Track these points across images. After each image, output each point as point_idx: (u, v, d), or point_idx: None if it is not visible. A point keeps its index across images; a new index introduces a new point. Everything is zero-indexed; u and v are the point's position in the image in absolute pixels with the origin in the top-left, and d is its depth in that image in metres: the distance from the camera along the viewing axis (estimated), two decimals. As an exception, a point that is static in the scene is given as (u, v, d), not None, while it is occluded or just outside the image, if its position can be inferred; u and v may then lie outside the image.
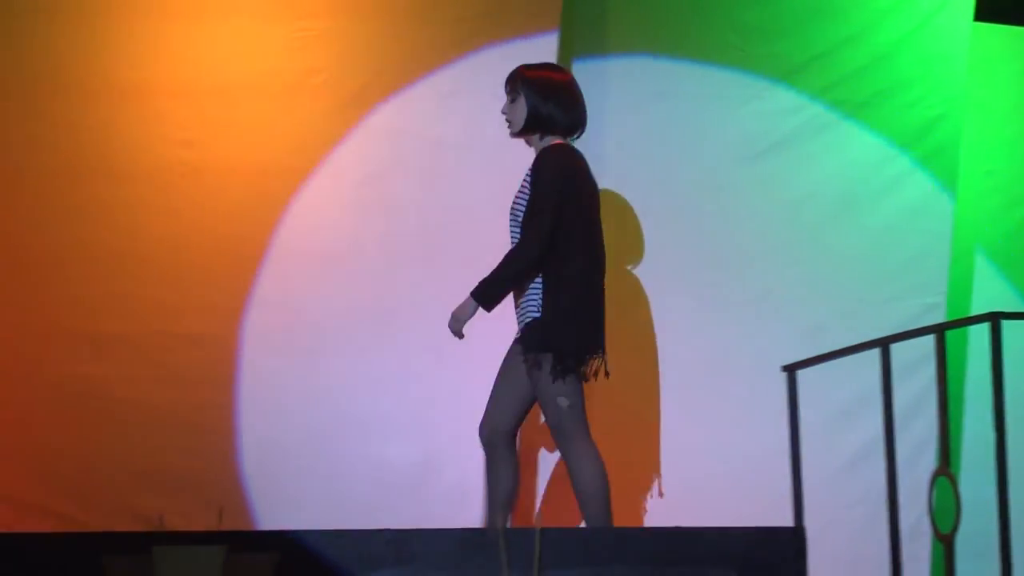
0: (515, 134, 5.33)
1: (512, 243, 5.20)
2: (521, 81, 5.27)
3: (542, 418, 5.35)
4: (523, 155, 5.33)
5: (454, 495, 5.98)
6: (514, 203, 5.25)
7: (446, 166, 6.15)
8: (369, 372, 6.03)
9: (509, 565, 4.38)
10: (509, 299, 5.19)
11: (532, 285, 5.15)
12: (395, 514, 5.75)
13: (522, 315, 5.19)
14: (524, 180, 5.23)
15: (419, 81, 6.16)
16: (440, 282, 5.90)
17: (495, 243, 5.23)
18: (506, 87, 5.32)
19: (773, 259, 6.43)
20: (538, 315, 5.11)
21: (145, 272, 5.95)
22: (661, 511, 5.94)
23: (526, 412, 5.29)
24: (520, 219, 5.18)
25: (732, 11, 6.47)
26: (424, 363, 6.02)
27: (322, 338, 6.00)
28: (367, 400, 6.02)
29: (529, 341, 5.12)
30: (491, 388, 5.29)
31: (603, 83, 6.34)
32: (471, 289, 5.12)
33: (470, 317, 5.15)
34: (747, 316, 6.35)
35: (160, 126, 5.99)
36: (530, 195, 5.14)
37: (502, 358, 5.30)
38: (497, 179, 5.75)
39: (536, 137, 5.29)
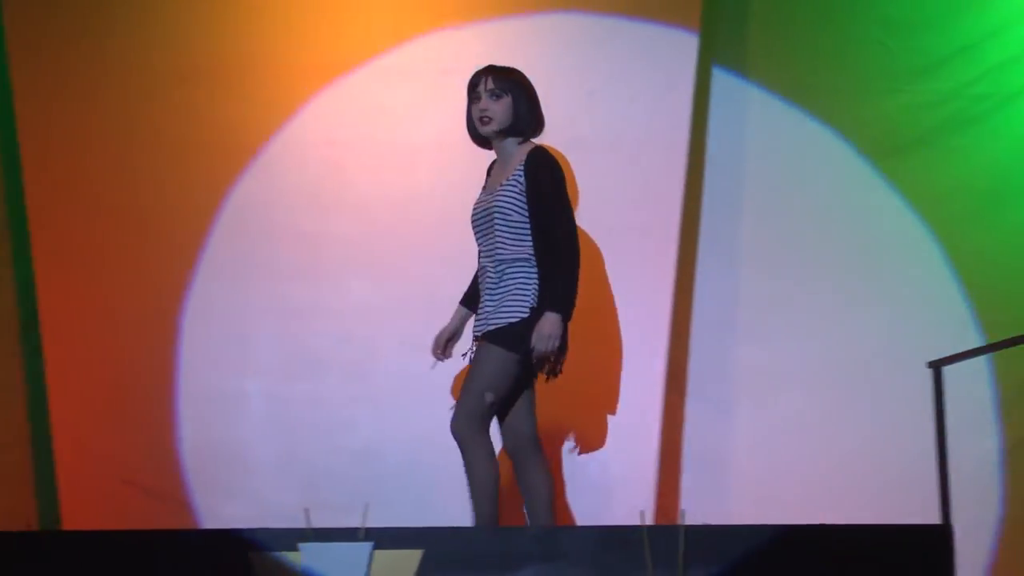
0: (494, 132, 5.27)
1: (486, 241, 5.24)
2: (512, 82, 5.28)
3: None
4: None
5: (597, 491, 5.97)
6: (495, 201, 5.23)
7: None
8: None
9: (653, 562, 4.37)
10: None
11: (515, 287, 5.16)
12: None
13: (497, 315, 5.16)
14: (509, 178, 5.22)
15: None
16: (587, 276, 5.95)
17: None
18: (487, 83, 5.27)
19: (917, 254, 6.34)
20: (524, 316, 5.12)
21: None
22: (806, 508, 5.89)
23: (534, 408, 5.26)
24: (509, 218, 5.18)
25: (876, 6, 6.39)
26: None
27: (468, 334, 6.02)
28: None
29: (500, 337, 5.11)
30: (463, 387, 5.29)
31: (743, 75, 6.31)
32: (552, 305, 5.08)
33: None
34: (891, 313, 6.26)
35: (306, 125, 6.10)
36: (538, 192, 5.14)
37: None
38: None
39: (511, 140, 5.30)
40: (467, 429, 5.11)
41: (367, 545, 3.99)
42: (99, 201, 6.08)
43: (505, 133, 5.27)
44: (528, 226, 5.17)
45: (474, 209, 5.34)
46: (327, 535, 4.31)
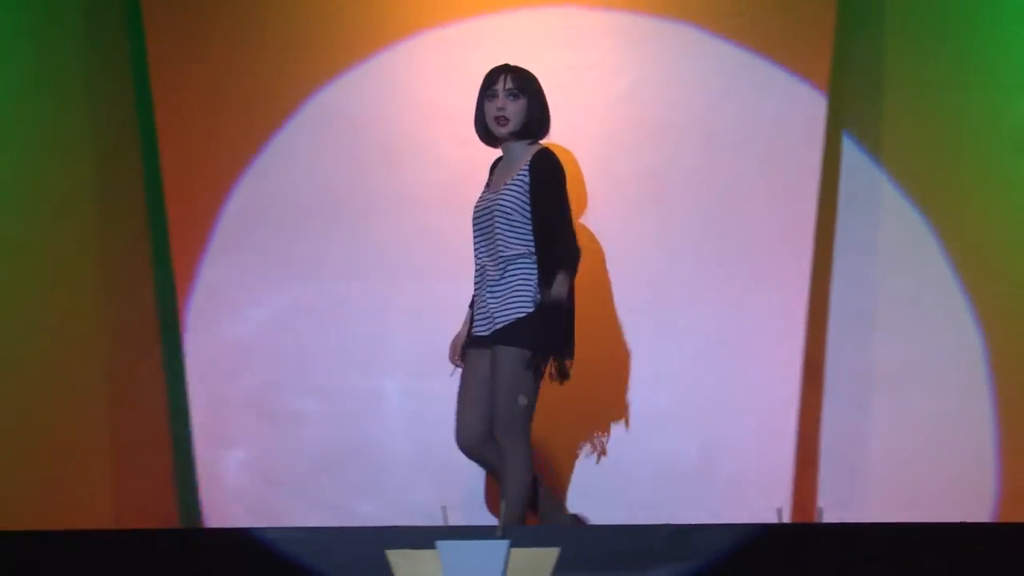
0: (508, 133, 5.34)
1: (486, 240, 5.30)
2: (529, 83, 5.35)
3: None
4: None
5: (734, 488, 5.94)
6: (498, 200, 5.29)
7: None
8: (647, 365, 6.04)
9: (788, 561, 4.35)
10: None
11: (518, 282, 5.21)
12: (676, 508, 5.76)
13: (503, 311, 5.21)
14: (514, 178, 5.28)
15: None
16: (715, 273, 5.93)
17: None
18: (505, 82, 5.33)
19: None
20: (530, 311, 5.17)
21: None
22: (945, 506, 5.81)
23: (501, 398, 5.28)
24: (511, 217, 5.24)
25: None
26: (703, 355, 6.01)
27: (600, 331, 6.03)
28: (646, 393, 6.02)
29: (512, 336, 5.16)
30: (460, 397, 5.37)
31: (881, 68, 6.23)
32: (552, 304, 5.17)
33: None
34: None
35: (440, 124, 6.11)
36: (542, 194, 5.21)
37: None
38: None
39: (521, 141, 5.36)
40: (507, 436, 5.17)
41: (504, 543, 3.99)
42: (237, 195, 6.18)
43: (517, 135, 5.34)
44: (530, 224, 5.24)
45: (476, 208, 5.40)
46: (464, 533, 4.34)
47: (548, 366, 5.23)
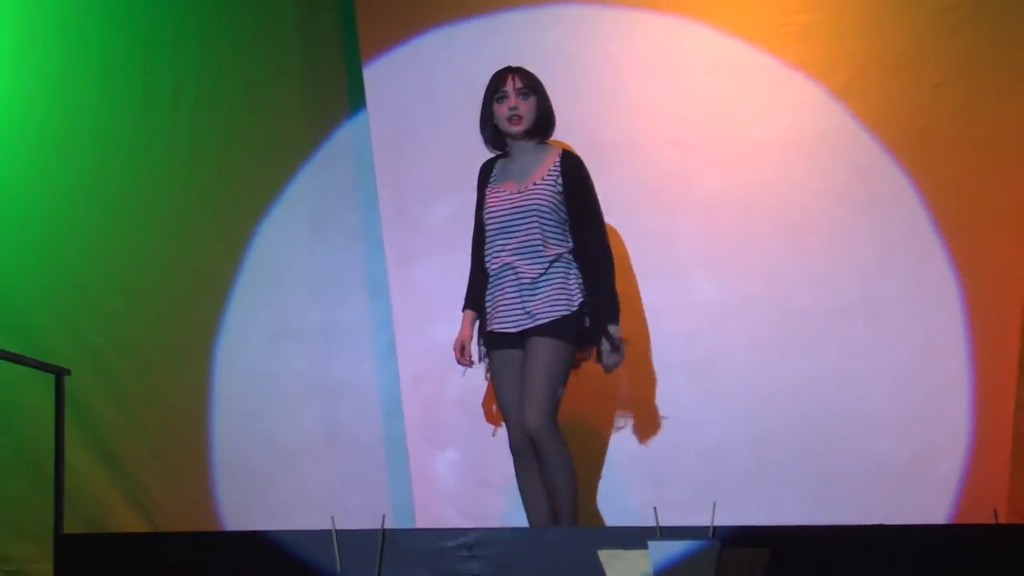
0: (522, 132, 5.44)
1: (512, 239, 5.38)
2: (537, 82, 5.47)
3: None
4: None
5: (949, 488, 5.89)
6: (534, 200, 5.37)
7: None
8: (862, 366, 6.02)
9: (1006, 562, 4.32)
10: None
11: (560, 280, 5.32)
12: (889, 509, 5.72)
13: (548, 308, 5.29)
14: (544, 178, 5.37)
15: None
16: (928, 273, 5.91)
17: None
18: (515, 82, 5.44)
19: None
20: (575, 309, 5.30)
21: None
22: None
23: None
24: (551, 217, 5.36)
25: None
26: (919, 356, 5.98)
27: (813, 333, 6.05)
28: (857, 395, 6.01)
29: (556, 330, 5.26)
30: (503, 400, 5.40)
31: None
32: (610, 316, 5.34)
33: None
34: None
35: (650, 126, 6.17)
36: (579, 196, 5.37)
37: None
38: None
39: (534, 142, 5.47)
40: (544, 428, 5.21)
41: (715, 543, 4.03)
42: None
43: (529, 133, 5.45)
44: (567, 224, 5.37)
45: (496, 207, 5.45)
46: (675, 533, 4.38)
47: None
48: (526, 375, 5.28)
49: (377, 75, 6.28)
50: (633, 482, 5.97)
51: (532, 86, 5.46)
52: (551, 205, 5.37)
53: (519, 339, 5.36)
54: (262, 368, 6.37)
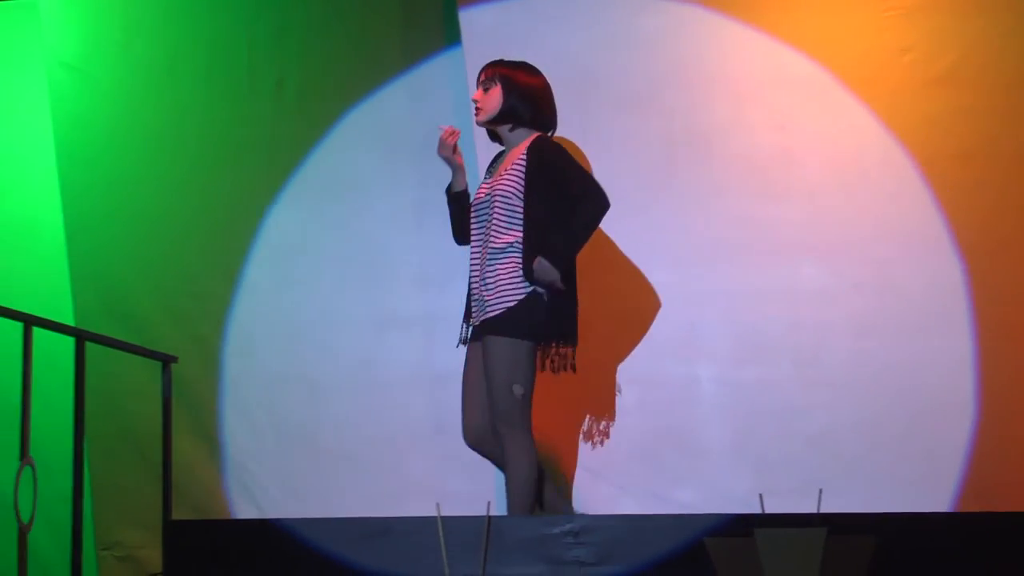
0: (483, 122, 5.48)
1: (482, 230, 5.37)
2: (499, 74, 5.45)
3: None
4: None
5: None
6: (497, 187, 5.34)
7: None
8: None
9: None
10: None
11: (507, 271, 5.29)
12: (999, 496, 5.72)
13: (495, 300, 5.27)
14: (511, 167, 5.35)
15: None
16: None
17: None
18: (481, 76, 5.48)
19: None
20: (521, 298, 5.25)
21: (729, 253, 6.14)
22: None
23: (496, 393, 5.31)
24: (508, 203, 5.30)
25: None
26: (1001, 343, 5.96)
27: (920, 317, 6.01)
28: (965, 380, 5.96)
29: (502, 326, 5.23)
30: (463, 394, 5.42)
31: None
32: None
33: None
34: None
35: (755, 111, 6.17)
36: (549, 173, 5.30)
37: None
38: None
39: (506, 128, 5.47)
40: (507, 427, 5.22)
41: (821, 531, 4.02)
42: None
43: (496, 122, 5.49)
44: (521, 214, 5.32)
45: (475, 198, 5.48)
46: (781, 521, 4.39)
47: (548, 355, 5.34)
48: (486, 378, 5.30)
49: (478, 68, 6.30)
50: (739, 469, 5.97)
51: (494, 77, 5.50)
52: (510, 193, 5.37)
53: (481, 332, 5.37)
54: (366, 356, 6.45)
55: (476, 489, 6.14)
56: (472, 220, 5.51)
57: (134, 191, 6.68)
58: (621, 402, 6.09)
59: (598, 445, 6.02)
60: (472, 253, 5.51)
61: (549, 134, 5.59)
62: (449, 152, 5.49)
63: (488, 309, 5.32)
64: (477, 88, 5.55)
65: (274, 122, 6.64)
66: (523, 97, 5.50)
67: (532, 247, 5.30)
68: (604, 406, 6.08)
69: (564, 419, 6.13)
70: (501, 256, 5.36)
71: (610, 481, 6.05)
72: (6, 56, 7.16)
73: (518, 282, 5.31)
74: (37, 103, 6.95)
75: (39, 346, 4.63)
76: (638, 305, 6.16)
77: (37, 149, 6.98)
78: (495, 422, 5.27)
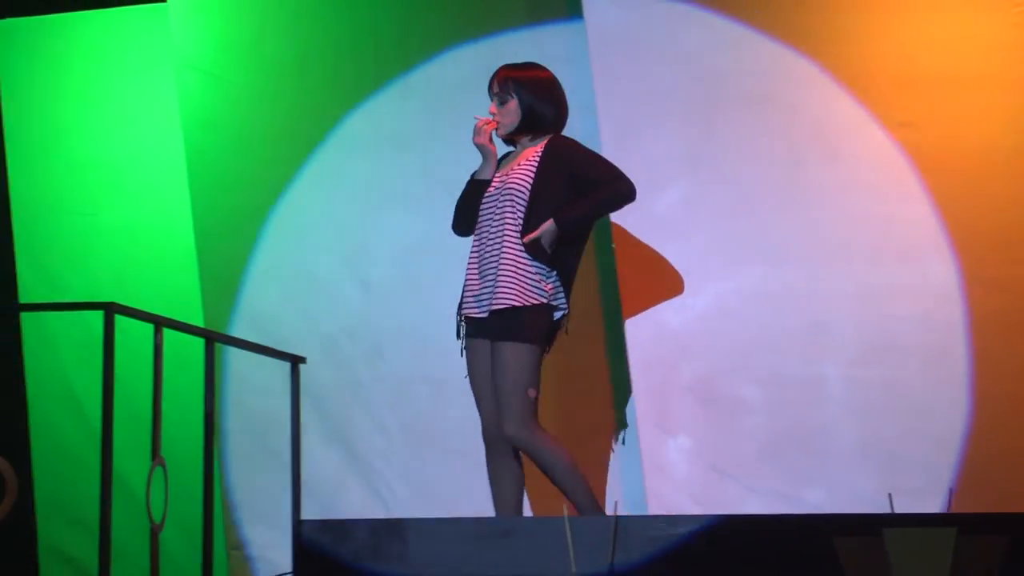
0: (508, 135, 5.45)
1: (492, 225, 5.36)
2: (513, 83, 5.41)
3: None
4: None
5: None
6: (508, 183, 5.33)
7: None
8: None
9: None
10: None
11: (516, 268, 5.26)
12: None
13: (503, 295, 5.27)
14: (527, 163, 5.34)
15: None
16: None
17: None
18: (494, 88, 5.43)
19: None
20: (535, 303, 5.26)
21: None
22: None
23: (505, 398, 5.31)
24: (526, 200, 5.30)
25: None
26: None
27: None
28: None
29: (513, 330, 5.24)
30: (476, 390, 5.42)
31: None
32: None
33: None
34: None
35: (882, 108, 6.13)
36: (569, 167, 5.32)
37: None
38: None
39: (527, 138, 5.45)
40: (526, 431, 5.23)
41: (951, 531, 4.01)
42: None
43: (520, 133, 5.47)
44: (529, 210, 5.31)
45: (487, 195, 5.46)
46: (910, 520, 4.37)
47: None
48: (494, 382, 5.32)
49: (605, 67, 6.34)
50: (867, 468, 5.94)
51: (509, 89, 5.47)
52: (524, 189, 5.38)
53: (486, 330, 5.39)
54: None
55: (602, 489, 6.20)
56: (480, 216, 5.51)
57: (262, 192, 6.79)
58: (748, 401, 6.11)
59: (722, 442, 6.04)
60: (473, 246, 5.52)
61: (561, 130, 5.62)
62: (485, 140, 5.50)
63: (495, 302, 5.33)
64: (491, 99, 5.53)
65: (402, 120, 6.71)
66: (543, 102, 5.50)
67: (529, 231, 5.33)
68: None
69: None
70: (517, 255, 5.37)
71: (737, 481, 6.05)
72: (136, 60, 7.33)
73: (535, 284, 5.33)
74: (167, 106, 7.10)
75: (169, 347, 4.73)
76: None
77: (167, 152, 7.14)
78: (510, 429, 5.28)
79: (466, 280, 5.49)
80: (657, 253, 6.23)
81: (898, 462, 5.90)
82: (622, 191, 5.40)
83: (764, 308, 6.13)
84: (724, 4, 6.26)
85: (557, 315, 5.40)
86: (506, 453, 5.40)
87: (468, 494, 6.34)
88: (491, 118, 5.49)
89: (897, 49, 6.12)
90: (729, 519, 4.78)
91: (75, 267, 7.27)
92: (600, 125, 6.23)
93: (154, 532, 4.44)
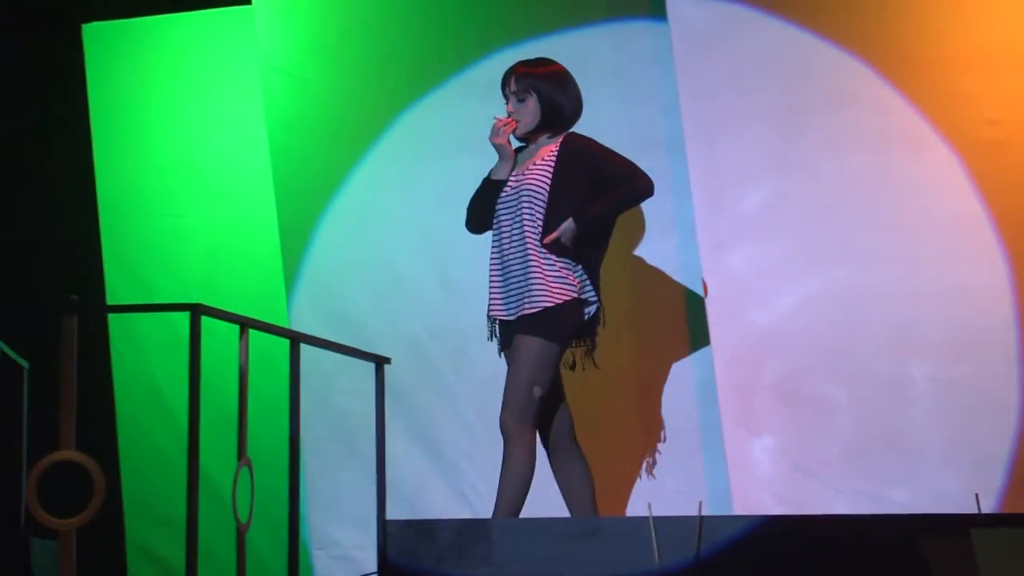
0: (525, 134, 5.46)
1: (512, 225, 5.38)
2: (531, 80, 5.42)
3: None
4: None
5: None
6: (530, 185, 5.35)
7: None
8: None
9: None
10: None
11: (544, 269, 5.28)
12: None
13: (533, 298, 5.28)
14: (543, 162, 5.37)
15: None
16: None
17: None
18: (511, 87, 5.44)
19: None
20: (561, 301, 5.28)
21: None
22: None
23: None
24: (545, 200, 5.32)
25: None
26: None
27: None
28: None
29: (538, 326, 5.26)
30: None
31: None
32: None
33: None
34: None
35: (967, 106, 6.11)
36: (587, 164, 5.35)
37: None
38: None
39: (545, 136, 5.46)
40: (517, 424, 5.28)
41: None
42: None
43: (540, 131, 5.47)
44: (551, 209, 5.34)
45: (503, 195, 5.46)
46: (998, 520, 4.36)
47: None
48: (509, 373, 5.38)
49: (689, 67, 6.35)
50: (953, 468, 5.91)
51: (528, 87, 5.49)
52: (542, 189, 5.41)
53: (515, 333, 5.42)
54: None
55: (687, 489, 6.22)
56: (497, 217, 5.54)
57: (346, 192, 6.85)
58: (833, 400, 6.10)
59: (807, 441, 6.04)
60: (493, 247, 5.55)
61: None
62: (504, 140, 5.51)
63: (526, 305, 5.37)
64: (506, 99, 5.55)
65: (484, 122, 6.76)
66: (561, 98, 5.53)
67: (548, 231, 5.37)
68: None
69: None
70: (542, 255, 5.40)
71: (821, 481, 6.05)
72: (221, 62, 7.43)
73: (561, 283, 5.36)
74: (252, 107, 7.19)
75: (255, 348, 4.79)
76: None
77: (252, 153, 7.22)
78: (505, 418, 5.35)
79: (490, 281, 5.55)
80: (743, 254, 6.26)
81: (985, 462, 5.87)
82: (640, 187, 5.45)
83: (850, 308, 6.12)
84: (802, 16, 6.27)
85: (589, 310, 5.43)
86: (572, 455, 5.49)
87: (553, 494, 6.38)
88: (510, 118, 5.52)
89: (983, 44, 6.11)
90: (813, 519, 4.79)
91: (162, 268, 7.37)
92: (684, 126, 6.25)
93: (240, 532, 4.50)
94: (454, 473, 6.58)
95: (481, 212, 5.58)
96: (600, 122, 6.47)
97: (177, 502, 5.97)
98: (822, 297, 6.16)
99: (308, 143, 6.95)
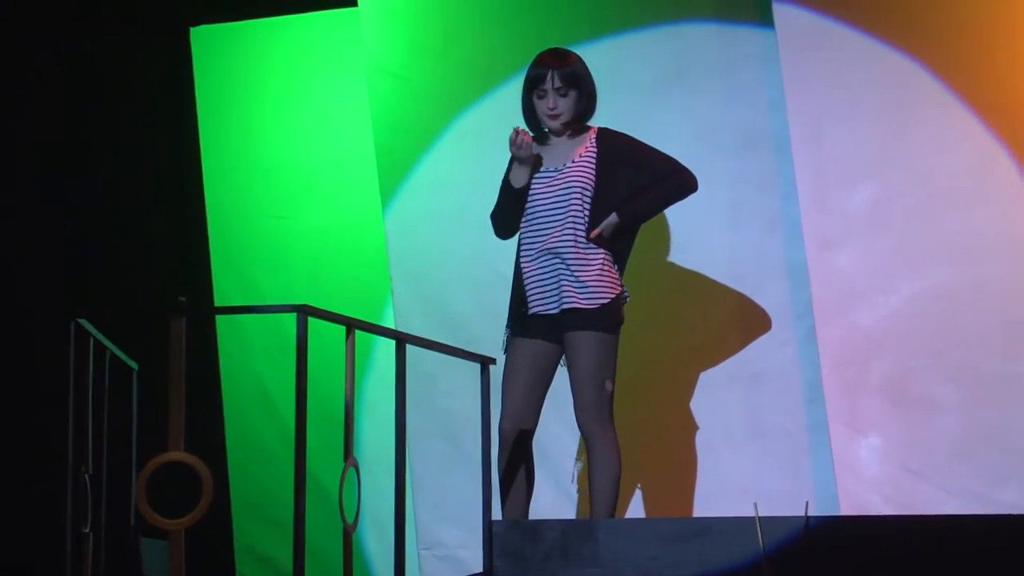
0: (560, 127, 5.51)
1: (554, 223, 5.42)
2: (576, 76, 5.49)
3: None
4: None
5: None
6: (575, 181, 5.42)
7: None
8: None
9: None
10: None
11: (601, 265, 5.34)
12: None
13: (590, 294, 5.31)
14: (585, 155, 5.43)
15: None
16: None
17: None
18: (553, 81, 5.46)
19: None
20: (613, 296, 5.33)
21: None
22: None
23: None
24: (591, 194, 5.40)
25: None
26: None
27: None
28: None
29: (602, 322, 5.29)
30: (514, 382, 5.46)
31: None
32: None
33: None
34: None
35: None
36: (627, 157, 5.44)
37: None
38: None
39: (570, 130, 5.52)
40: (596, 422, 5.31)
41: None
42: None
43: (576, 122, 5.51)
44: (598, 202, 5.40)
45: (536, 186, 5.50)
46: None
47: None
48: (575, 374, 5.40)
49: (794, 65, 6.38)
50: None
51: (570, 82, 5.52)
52: (588, 185, 5.46)
53: (555, 330, 5.46)
54: (677, 357, 6.61)
55: (794, 489, 6.23)
56: (533, 212, 5.57)
57: (451, 193, 6.92)
58: (941, 400, 6.10)
59: (914, 442, 6.03)
60: (524, 241, 5.60)
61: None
62: (529, 151, 5.54)
63: (580, 300, 5.40)
64: (548, 93, 5.54)
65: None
66: (592, 99, 5.60)
67: (593, 225, 5.44)
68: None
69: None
70: (590, 251, 5.45)
71: (930, 481, 6.04)
72: (328, 64, 7.53)
73: (610, 278, 5.43)
74: (358, 109, 7.28)
75: (361, 349, 4.86)
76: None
77: (359, 154, 7.31)
78: (584, 419, 5.41)
79: (525, 275, 5.59)
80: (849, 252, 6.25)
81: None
82: (687, 182, 5.55)
83: (957, 306, 6.12)
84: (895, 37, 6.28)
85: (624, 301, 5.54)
86: (524, 455, 5.53)
87: (655, 495, 6.42)
88: (525, 129, 5.56)
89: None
90: (922, 520, 4.79)
91: (269, 270, 7.49)
92: (790, 123, 6.26)
93: (347, 532, 4.57)
94: (560, 474, 6.62)
95: (511, 218, 5.66)
96: (706, 120, 6.53)
97: (284, 502, 6.08)
98: (929, 295, 6.16)
99: (414, 145, 7.03)
